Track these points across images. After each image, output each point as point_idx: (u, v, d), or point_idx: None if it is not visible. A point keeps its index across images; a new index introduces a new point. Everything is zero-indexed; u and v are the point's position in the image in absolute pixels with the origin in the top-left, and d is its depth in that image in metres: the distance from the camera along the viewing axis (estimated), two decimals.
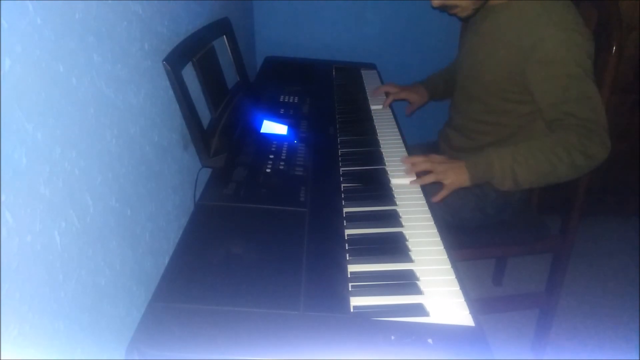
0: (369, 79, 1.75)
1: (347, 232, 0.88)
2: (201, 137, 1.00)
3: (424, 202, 0.98)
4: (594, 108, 1.06)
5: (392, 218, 0.92)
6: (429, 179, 1.07)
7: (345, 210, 0.94)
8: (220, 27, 1.26)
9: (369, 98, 1.56)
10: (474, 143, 1.33)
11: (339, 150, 1.19)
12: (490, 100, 1.24)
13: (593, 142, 1.04)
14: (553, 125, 1.11)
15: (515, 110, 1.21)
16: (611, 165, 2.10)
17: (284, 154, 1.10)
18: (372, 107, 1.49)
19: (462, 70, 1.35)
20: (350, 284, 0.74)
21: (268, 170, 1.02)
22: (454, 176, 1.09)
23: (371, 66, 1.88)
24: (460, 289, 0.74)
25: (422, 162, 1.10)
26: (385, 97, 1.54)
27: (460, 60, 1.37)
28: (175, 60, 0.92)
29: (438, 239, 0.87)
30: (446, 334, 0.66)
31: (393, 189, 1.02)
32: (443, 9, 1.23)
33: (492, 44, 1.20)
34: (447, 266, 0.80)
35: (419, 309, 0.70)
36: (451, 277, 0.77)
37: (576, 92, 1.07)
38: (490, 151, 1.10)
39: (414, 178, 1.07)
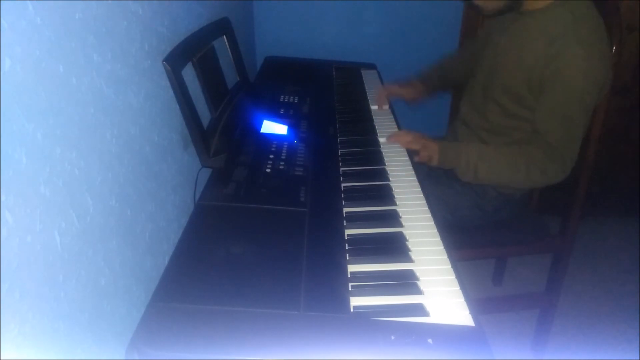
0: (369, 79, 1.75)
1: (347, 232, 0.88)
2: (201, 137, 1.00)
3: (424, 202, 0.98)
4: (572, 136, 1.13)
5: (392, 218, 0.92)
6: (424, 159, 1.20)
7: (345, 210, 0.94)
8: (220, 27, 1.26)
9: (369, 98, 1.56)
10: (482, 141, 1.32)
11: (339, 150, 1.19)
12: (507, 104, 1.23)
13: (554, 164, 1.13)
14: (531, 136, 1.17)
15: (529, 118, 1.20)
16: (611, 166, 2.12)
17: (284, 154, 1.10)
18: (373, 107, 1.49)
19: (483, 68, 1.33)
20: (350, 284, 0.74)
21: (268, 170, 1.02)
22: (428, 152, 1.19)
23: (371, 66, 1.88)
24: (460, 289, 0.74)
25: (412, 141, 1.20)
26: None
27: (483, 58, 1.35)
28: (175, 60, 0.92)
29: (438, 239, 0.87)
30: (446, 334, 0.66)
31: (393, 188, 1.02)
32: None
33: (519, 47, 1.19)
34: (447, 266, 0.80)
35: (419, 309, 0.70)
36: (451, 277, 0.77)
37: (567, 113, 1.11)
38: (462, 144, 1.22)
39: (411, 168, 1.13)
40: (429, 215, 0.94)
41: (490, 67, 1.29)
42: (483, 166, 1.16)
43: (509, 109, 1.23)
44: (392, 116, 1.44)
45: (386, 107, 1.49)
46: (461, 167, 1.18)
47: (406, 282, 0.75)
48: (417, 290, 0.74)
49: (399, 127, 1.36)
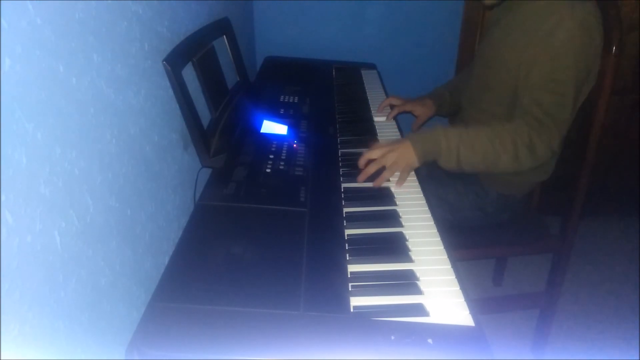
0: (369, 79, 1.75)
1: (347, 232, 0.88)
2: (201, 137, 1.00)
3: (424, 202, 0.98)
4: (560, 107, 1.07)
5: (392, 218, 0.92)
6: (385, 175, 1.04)
7: (345, 210, 0.94)
8: (220, 27, 1.26)
9: (369, 98, 1.56)
10: None
11: (339, 150, 1.19)
12: (504, 93, 1.21)
13: (541, 139, 1.06)
14: (516, 112, 1.12)
15: None
16: (611, 166, 2.12)
17: (284, 154, 1.10)
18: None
19: (480, 60, 1.32)
20: (350, 284, 0.74)
21: (268, 170, 1.02)
22: (403, 160, 1.06)
23: (371, 66, 1.88)
24: (460, 289, 0.74)
25: (366, 163, 1.07)
26: (390, 109, 1.52)
27: (480, 51, 1.35)
28: (175, 60, 0.92)
29: (438, 239, 0.87)
30: (446, 334, 0.66)
31: (392, 188, 1.02)
32: None
33: (514, 37, 1.18)
34: (447, 266, 0.80)
35: (419, 309, 0.70)
36: (451, 277, 0.77)
37: (555, 85, 1.07)
38: (439, 128, 1.10)
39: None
40: (429, 215, 0.94)
41: (488, 59, 1.28)
42: (465, 150, 1.07)
43: (505, 98, 1.22)
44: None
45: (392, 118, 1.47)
46: (443, 154, 1.08)
47: (406, 282, 0.75)
48: (417, 290, 0.74)
49: (399, 127, 1.36)
